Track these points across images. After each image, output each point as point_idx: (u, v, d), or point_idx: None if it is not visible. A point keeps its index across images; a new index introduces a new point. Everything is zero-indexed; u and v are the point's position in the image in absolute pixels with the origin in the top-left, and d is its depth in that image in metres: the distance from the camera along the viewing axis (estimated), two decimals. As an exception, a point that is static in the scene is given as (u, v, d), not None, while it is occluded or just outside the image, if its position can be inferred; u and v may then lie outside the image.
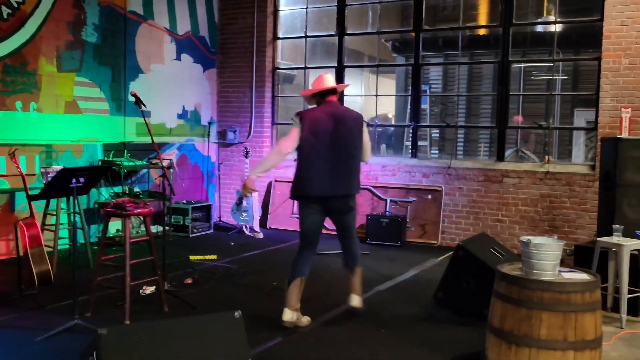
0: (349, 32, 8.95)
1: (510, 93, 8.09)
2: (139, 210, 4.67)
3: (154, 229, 7.77)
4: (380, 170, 8.45)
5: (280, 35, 9.40)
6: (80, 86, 7.39)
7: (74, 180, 4.24)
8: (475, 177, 7.86)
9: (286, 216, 9.00)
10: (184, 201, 8.61)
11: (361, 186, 8.22)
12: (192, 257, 6.82)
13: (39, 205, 6.49)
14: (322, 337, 4.38)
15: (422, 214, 8.15)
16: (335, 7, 8.89)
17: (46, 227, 6.28)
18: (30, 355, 3.95)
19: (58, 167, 6.38)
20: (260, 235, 8.35)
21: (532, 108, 10.39)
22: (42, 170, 6.37)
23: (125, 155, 7.81)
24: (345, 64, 8.97)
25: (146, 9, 8.24)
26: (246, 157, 8.44)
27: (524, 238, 3.78)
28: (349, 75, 9.09)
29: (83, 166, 5.84)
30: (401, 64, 11.06)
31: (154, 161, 7.99)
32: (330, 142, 4.54)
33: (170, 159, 8.45)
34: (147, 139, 8.06)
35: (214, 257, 6.88)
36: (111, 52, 7.76)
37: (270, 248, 7.62)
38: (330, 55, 9.35)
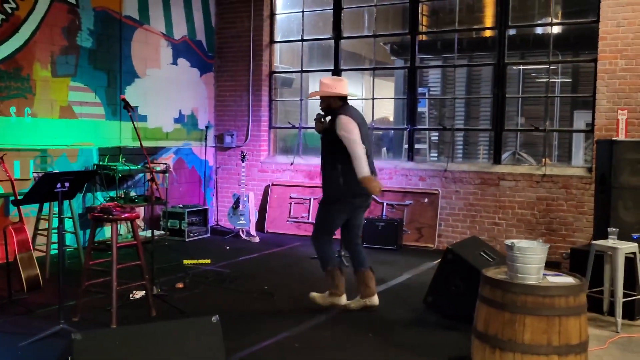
0: (345, 35, 8.93)
1: (507, 95, 8.04)
2: (125, 215, 4.66)
3: (150, 233, 7.76)
4: (377, 174, 8.39)
5: (277, 39, 9.40)
6: (75, 91, 7.41)
7: (58, 185, 4.23)
8: (471, 180, 7.81)
9: (283, 220, 8.97)
10: (181, 205, 8.61)
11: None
12: (185, 262, 6.80)
13: (33, 210, 6.52)
14: (307, 341, 4.35)
15: (418, 218, 8.10)
16: (332, 11, 8.87)
17: (39, 232, 6.30)
18: (12, 360, 3.94)
19: (51, 172, 6.39)
20: (257, 239, 8.33)
21: (532, 110, 10.31)
22: (35, 175, 6.39)
23: (120, 159, 7.81)
24: (341, 68, 8.95)
25: (142, 13, 8.25)
26: (243, 160, 8.43)
27: (508, 241, 3.75)
28: (349, 79, 9.03)
29: (67, 171, 5.81)
30: (397, 67, 11.03)
31: (150, 165, 7.98)
32: (367, 144, 4.93)
33: (166, 163, 8.45)
34: (143, 143, 8.05)
35: (207, 261, 6.87)
36: (106, 57, 7.78)
37: (265, 252, 7.60)
38: (327, 59, 9.34)
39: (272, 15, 9.33)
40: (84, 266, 4.77)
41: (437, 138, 11.15)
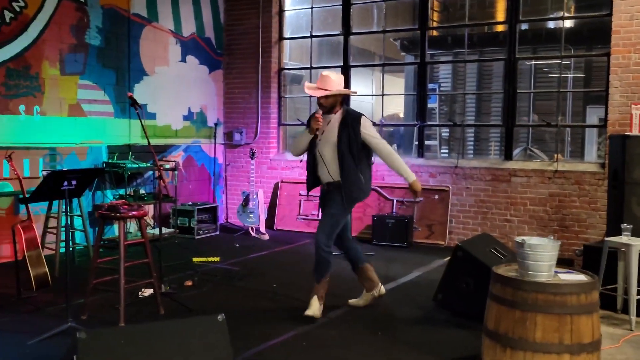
0: (354, 31, 8.87)
1: (518, 91, 7.94)
2: (133, 213, 4.64)
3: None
4: (387, 170, 8.33)
5: (285, 35, 9.36)
6: (84, 89, 7.41)
7: (65, 183, 4.22)
8: (482, 176, 7.73)
9: (293, 217, 8.94)
10: (190, 203, 8.60)
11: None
12: (195, 259, 6.79)
13: (42, 208, 6.53)
14: (315, 340, 4.31)
15: (429, 214, 8.03)
16: (341, 6, 8.81)
17: (49, 230, 6.31)
18: (18, 358, 3.93)
19: (58, 170, 6.39)
20: (266, 237, 8.31)
21: (543, 106, 10.20)
22: (45, 173, 6.39)
23: (129, 157, 7.81)
24: (351, 64, 8.88)
25: (150, 11, 8.24)
26: (252, 158, 8.40)
27: (519, 238, 3.68)
28: (359, 75, 9.02)
29: (74, 169, 5.81)
30: (407, 63, 10.95)
31: (160, 163, 7.99)
32: None
33: (176, 161, 8.45)
34: (152, 141, 8.03)
35: (217, 259, 6.85)
36: (115, 54, 7.77)
37: (275, 250, 7.57)
38: (337, 55, 9.28)
39: (281, 11, 9.29)
40: (92, 264, 4.76)
41: (447, 134, 11.07)
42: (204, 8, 9.11)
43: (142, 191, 7.84)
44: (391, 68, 11.27)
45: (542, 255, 3.56)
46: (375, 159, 5.18)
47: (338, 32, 8.93)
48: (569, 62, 9.57)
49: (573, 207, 7.20)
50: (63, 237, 6.24)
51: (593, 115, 9.22)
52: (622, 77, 6.84)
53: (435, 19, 10.34)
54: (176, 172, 8.32)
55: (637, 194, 5.57)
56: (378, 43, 10.97)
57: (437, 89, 11.15)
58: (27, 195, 5.12)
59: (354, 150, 4.68)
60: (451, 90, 11.39)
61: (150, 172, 8.25)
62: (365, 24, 9.48)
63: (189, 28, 8.86)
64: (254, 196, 8.34)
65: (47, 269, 5.03)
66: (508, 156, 7.77)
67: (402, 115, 12.87)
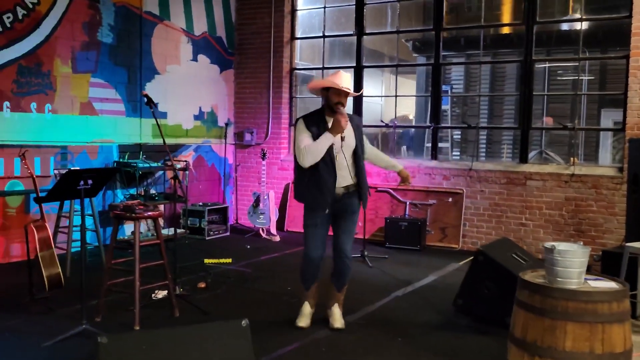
0: (367, 31, 8.78)
1: (534, 93, 7.84)
2: (148, 213, 4.56)
3: (170, 231, 7.68)
4: (400, 172, 8.25)
5: (297, 35, 9.28)
6: (95, 87, 7.33)
7: (81, 182, 4.14)
8: (497, 179, 7.63)
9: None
10: (200, 203, 8.52)
11: (380, 188, 8.19)
12: (206, 261, 6.71)
13: (53, 207, 6.46)
14: (334, 345, 4.22)
15: (442, 217, 7.94)
16: (354, 6, 8.72)
17: (60, 230, 6.23)
18: (35, 361, 3.86)
19: (73, 169, 6.31)
20: (277, 238, 8.22)
21: (557, 109, 10.10)
22: (56, 172, 6.32)
23: (140, 156, 7.73)
24: (364, 64, 8.79)
25: (162, 9, 8.17)
26: (263, 159, 8.32)
27: (548, 244, 3.58)
28: (368, 76, 8.92)
29: (90, 168, 5.76)
30: (421, 64, 10.85)
31: (170, 163, 7.92)
32: None
33: (186, 161, 8.37)
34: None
35: (229, 260, 6.77)
36: (127, 52, 7.70)
37: (286, 251, 7.48)
38: (349, 55, 9.20)
39: (293, 11, 9.20)
40: (106, 265, 4.68)
41: (459, 136, 10.97)
42: (216, 6, 9.03)
43: (152, 191, 7.76)
44: (402, 69, 11.16)
45: (572, 262, 3.46)
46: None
47: (351, 33, 8.84)
48: (584, 65, 9.48)
49: (590, 211, 7.09)
50: (74, 236, 6.18)
51: (608, 118, 9.12)
52: (642, 80, 6.73)
53: (445, 20, 10.24)
54: (187, 172, 8.24)
55: (659, 199, 5.47)
56: (388, 44, 10.88)
57: (450, 91, 11.05)
58: (40, 195, 5.05)
59: (362, 152, 4.59)
60: (463, 92, 11.29)
61: (161, 172, 8.17)
62: (377, 24, 9.40)
63: (200, 27, 8.79)
64: (265, 197, 8.26)
65: (60, 270, 4.95)
66: (523, 159, 7.67)
67: (411, 117, 12.78)
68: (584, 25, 7.96)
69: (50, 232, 5.02)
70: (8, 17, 6.39)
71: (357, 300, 5.26)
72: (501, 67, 10.73)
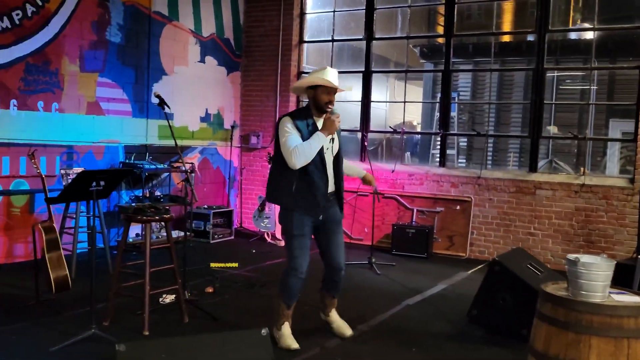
0: (377, 36, 8.72)
1: (545, 102, 7.78)
2: (165, 217, 4.48)
3: (174, 234, 7.60)
4: (407, 179, 8.20)
5: (306, 38, 9.21)
6: (102, 87, 7.25)
7: (94, 184, 4.06)
8: (506, 188, 7.57)
9: (309, 224, 8.75)
10: (205, 206, 8.44)
11: (386, 195, 8.11)
12: (213, 265, 6.63)
13: (58, 208, 6.36)
14: (349, 355, 4.13)
15: (449, 225, 7.87)
16: (364, 11, 8.67)
17: (65, 231, 6.14)
18: (44, 366, 3.77)
19: (78, 169, 6.24)
20: (282, 243, 8.12)
21: (564, 118, 10.06)
22: (62, 171, 6.23)
23: (146, 158, 7.65)
24: (372, 69, 8.73)
25: (171, 9, 8.09)
26: (269, 162, 8.22)
27: (571, 256, 3.51)
28: (374, 81, 8.84)
29: (104, 169, 5.68)
30: (431, 70, 10.80)
31: (176, 165, 7.83)
32: None
33: (192, 163, 8.29)
34: (169, 142, 7.91)
35: (235, 264, 6.69)
36: (135, 52, 7.62)
37: (292, 257, 7.38)
38: (357, 60, 9.14)
39: (302, 14, 9.14)
40: (116, 269, 4.59)
41: (465, 144, 10.92)
42: (224, 8, 8.96)
43: (157, 193, 7.67)
44: (408, 75, 11.12)
45: (597, 275, 3.39)
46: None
47: (360, 37, 8.78)
48: (592, 74, 9.44)
49: (600, 222, 7.03)
50: (79, 237, 6.09)
51: (616, 129, 9.08)
52: (655, 91, 6.69)
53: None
54: (192, 174, 8.15)
55: (673, 212, 5.42)
56: (394, 50, 10.83)
57: (456, 98, 11.01)
58: (48, 195, 4.97)
59: (342, 155, 4.35)
60: (470, 99, 11.24)
61: (166, 174, 8.08)
62: (386, 30, 9.34)
63: (208, 28, 8.72)
64: (271, 201, 8.17)
65: (67, 272, 4.86)
66: (533, 168, 7.61)
67: (415, 123, 12.73)
68: (594, 34, 7.92)
69: (58, 233, 4.93)
70: (17, 14, 6.31)
71: (368, 308, 5.19)
72: (509, 75, 10.69)
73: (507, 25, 10.17)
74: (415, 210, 8.06)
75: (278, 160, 4.12)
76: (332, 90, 4.10)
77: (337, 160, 4.26)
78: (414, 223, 7.94)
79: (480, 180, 7.73)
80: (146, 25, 7.75)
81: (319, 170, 4.07)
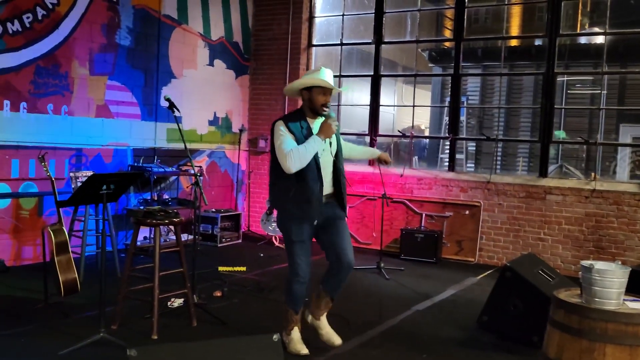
0: (386, 40, 8.70)
1: (556, 106, 7.74)
2: (175, 220, 4.47)
3: (183, 237, 7.59)
4: (416, 184, 8.16)
5: (315, 42, 9.20)
6: (112, 90, 7.26)
7: (104, 187, 4.05)
8: (516, 193, 7.52)
9: (317, 228, 8.73)
10: (213, 210, 8.42)
11: (395, 199, 8.07)
12: (221, 268, 6.61)
13: (67, 211, 6.36)
14: (359, 360, 4.11)
15: (458, 230, 7.83)
16: (373, 15, 8.65)
17: (74, 234, 6.14)
18: (53, 369, 3.76)
19: (87, 173, 6.23)
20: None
21: (573, 123, 10.01)
22: (72, 174, 6.22)
23: (155, 161, 7.65)
24: (381, 73, 8.71)
25: (181, 13, 8.10)
26: (277, 166, 8.21)
27: (586, 263, 3.47)
28: (383, 86, 8.82)
29: (114, 172, 5.67)
30: (440, 74, 10.77)
31: (184, 168, 7.82)
32: None
33: (200, 166, 8.29)
34: (177, 145, 7.91)
35: (243, 268, 6.66)
36: (144, 56, 7.63)
37: (300, 261, 7.35)
38: (366, 64, 9.12)
39: (311, 18, 9.13)
40: (125, 272, 4.57)
41: (474, 148, 10.87)
42: (233, 12, 8.96)
43: (165, 196, 7.66)
44: (416, 79, 11.11)
45: (612, 282, 3.35)
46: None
47: (370, 41, 8.77)
48: (602, 79, 9.38)
49: (610, 227, 6.98)
50: (88, 240, 6.09)
51: (626, 133, 9.02)
52: (667, 96, 6.64)
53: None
54: (200, 178, 8.14)
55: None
56: (402, 54, 10.82)
57: (465, 102, 10.97)
58: (58, 198, 4.96)
59: (342, 156, 4.27)
60: (478, 103, 11.19)
61: (175, 177, 8.08)
62: (395, 34, 9.32)
63: (217, 32, 8.72)
64: (279, 205, 8.15)
65: (76, 275, 4.85)
66: (543, 173, 7.56)
67: (423, 127, 12.70)
68: (604, 39, 7.87)
69: (67, 236, 4.92)
70: (28, 17, 6.33)
71: (378, 314, 5.15)
72: (518, 79, 10.64)
73: (515, 30, 10.15)
74: (424, 215, 8.03)
75: (274, 165, 4.06)
76: (327, 91, 4.02)
77: (337, 161, 4.16)
78: (422, 228, 7.90)
79: (489, 185, 7.69)
80: (156, 28, 7.76)
81: (312, 173, 3.98)
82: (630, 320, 3.23)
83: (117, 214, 7.31)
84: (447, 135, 8.34)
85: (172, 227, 6.09)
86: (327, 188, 4.11)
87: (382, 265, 6.82)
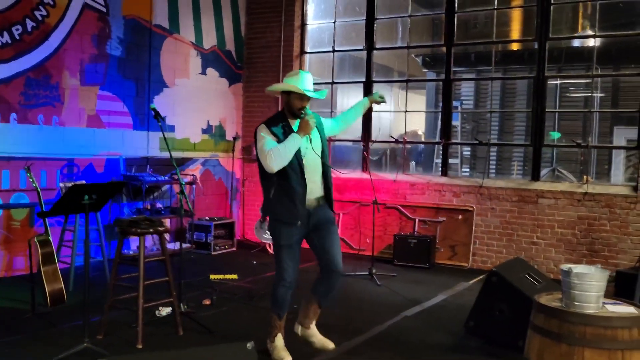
0: (377, 46, 8.72)
1: (547, 110, 7.73)
2: (160, 229, 4.47)
3: (175, 246, 7.60)
4: (409, 189, 8.16)
5: (307, 49, 9.22)
6: (103, 100, 7.29)
7: (86, 197, 4.06)
8: (508, 197, 7.51)
9: (311, 235, 8.73)
10: (207, 218, 8.43)
11: (388, 205, 8.07)
12: (212, 276, 6.60)
13: (58, 221, 6.38)
14: (343, 367, 4.10)
15: (452, 235, 7.81)
16: (364, 21, 8.67)
17: (64, 244, 6.15)
18: (35, 380, 3.76)
19: (79, 183, 6.26)
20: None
21: (568, 126, 9.99)
22: (62, 185, 6.25)
23: (147, 170, 7.67)
24: (374, 79, 8.73)
25: (172, 22, 8.14)
26: (271, 173, 8.22)
27: (565, 266, 3.46)
28: (377, 91, 8.83)
29: (94, 183, 5.66)
30: (432, 79, 10.78)
31: (177, 177, 7.84)
32: None
33: (193, 175, 8.30)
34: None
35: (234, 276, 6.66)
36: (135, 65, 7.66)
37: (293, 268, 7.35)
38: (359, 70, 9.13)
39: (303, 25, 9.16)
40: (111, 281, 4.58)
41: (469, 153, 10.86)
42: (226, 20, 9.00)
43: (159, 205, 7.68)
44: (411, 85, 11.11)
45: (591, 285, 3.34)
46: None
47: (361, 47, 8.79)
48: (595, 82, 9.38)
49: (603, 230, 6.95)
50: (78, 250, 6.10)
51: (620, 136, 8.99)
52: (657, 98, 6.63)
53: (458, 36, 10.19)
54: (194, 186, 8.17)
55: (676, 220, 5.34)
56: (397, 59, 10.81)
57: (459, 107, 10.97)
58: (44, 209, 4.98)
59: (328, 154, 4.27)
60: (472, 108, 11.19)
61: (168, 186, 8.10)
62: (387, 39, 9.33)
63: (209, 40, 8.75)
64: (273, 212, 8.15)
65: (62, 285, 4.86)
66: (535, 177, 7.54)
67: (420, 132, 12.69)
68: (598, 42, 7.87)
69: (54, 246, 4.93)
70: (17, 29, 6.37)
71: (366, 320, 5.14)
72: (511, 84, 10.64)
73: (515, 34, 10.14)
74: (417, 220, 8.01)
75: (261, 171, 4.06)
76: (305, 97, 4.00)
77: (323, 157, 4.12)
78: (415, 233, 7.89)
79: (482, 190, 7.68)
80: (147, 38, 7.80)
81: (296, 174, 3.97)
82: (609, 324, 3.22)
83: (110, 223, 7.32)
84: (439, 140, 8.34)
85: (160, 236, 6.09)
86: (317, 191, 4.10)
87: (374, 271, 6.81)
